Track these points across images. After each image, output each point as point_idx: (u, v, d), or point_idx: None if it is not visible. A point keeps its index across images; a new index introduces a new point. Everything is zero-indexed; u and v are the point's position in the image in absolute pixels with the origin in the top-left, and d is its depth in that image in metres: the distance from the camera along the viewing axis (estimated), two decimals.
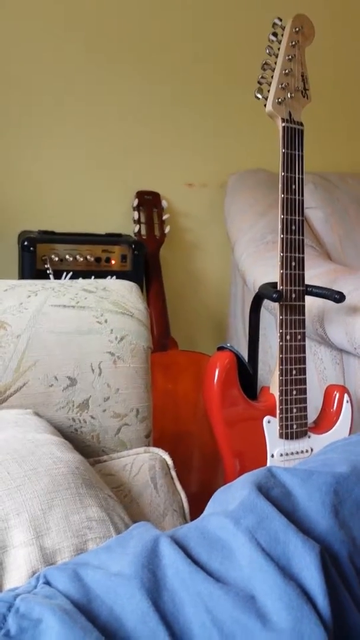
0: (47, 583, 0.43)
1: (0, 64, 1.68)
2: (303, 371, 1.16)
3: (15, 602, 0.40)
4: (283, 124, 1.14)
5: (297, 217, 1.14)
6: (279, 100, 1.13)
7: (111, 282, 0.91)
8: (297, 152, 1.15)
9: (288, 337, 1.14)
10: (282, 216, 1.13)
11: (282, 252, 1.13)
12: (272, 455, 1.14)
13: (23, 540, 0.55)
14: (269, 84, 1.14)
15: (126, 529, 0.54)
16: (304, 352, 1.16)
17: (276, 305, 1.15)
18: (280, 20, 1.14)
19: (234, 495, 0.47)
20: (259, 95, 1.14)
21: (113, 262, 1.68)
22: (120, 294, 0.88)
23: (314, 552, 0.40)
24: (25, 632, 0.37)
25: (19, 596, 0.41)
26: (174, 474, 0.83)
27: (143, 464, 0.80)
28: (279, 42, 1.15)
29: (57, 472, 0.61)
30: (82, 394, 0.80)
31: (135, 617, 0.38)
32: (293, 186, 1.14)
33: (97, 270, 1.65)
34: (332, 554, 0.42)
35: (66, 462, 0.63)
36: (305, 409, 1.16)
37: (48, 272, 1.58)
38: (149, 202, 1.83)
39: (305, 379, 1.16)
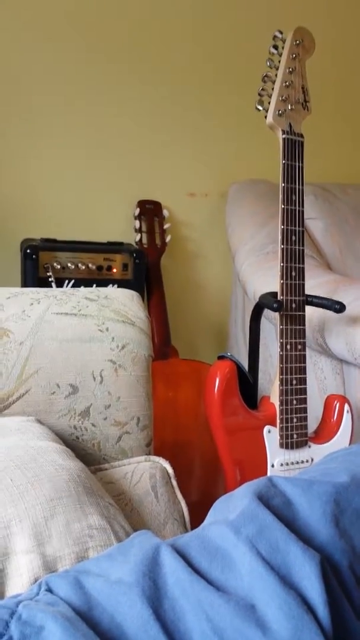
0: (49, 590, 0.43)
1: (2, 74, 1.69)
2: (303, 381, 1.16)
3: (18, 609, 0.40)
4: (283, 136, 1.14)
5: (297, 228, 1.15)
6: (280, 112, 1.14)
7: (113, 291, 0.92)
8: (297, 164, 1.15)
9: (288, 347, 1.14)
10: (282, 227, 1.14)
11: (283, 262, 1.14)
12: (273, 465, 1.14)
13: (25, 548, 0.55)
14: (270, 96, 1.15)
15: (127, 537, 0.55)
16: (304, 361, 1.16)
17: (276, 315, 1.16)
18: (281, 33, 1.15)
19: (235, 504, 0.47)
20: (260, 107, 1.15)
21: (114, 270, 1.69)
22: (122, 303, 0.89)
23: (314, 561, 0.41)
24: (28, 639, 0.38)
25: (21, 603, 0.41)
26: (174, 482, 0.83)
27: (144, 472, 0.81)
28: (280, 54, 1.16)
29: (59, 479, 0.61)
30: (83, 401, 0.81)
31: (136, 625, 0.39)
32: (293, 197, 1.15)
33: (98, 279, 1.66)
34: (332, 564, 0.42)
35: (68, 470, 0.64)
36: (305, 418, 1.17)
37: (50, 280, 1.59)
38: (150, 211, 1.84)
39: (305, 389, 1.16)
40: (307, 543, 0.42)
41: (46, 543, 0.56)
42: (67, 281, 1.62)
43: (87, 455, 0.81)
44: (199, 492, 1.30)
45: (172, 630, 0.38)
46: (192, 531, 0.48)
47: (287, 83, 1.15)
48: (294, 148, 1.15)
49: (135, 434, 0.85)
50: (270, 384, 1.26)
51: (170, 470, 0.84)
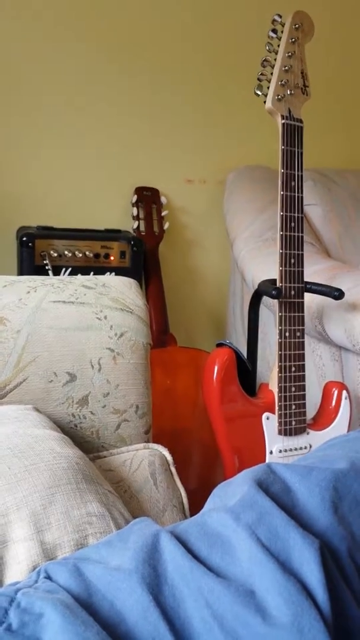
0: (48, 578, 0.43)
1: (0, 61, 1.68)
2: (302, 368, 1.16)
3: (17, 597, 0.40)
4: (283, 121, 1.14)
5: (296, 214, 1.14)
6: (279, 97, 1.13)
7: (111, 279, 0.92)
8: (296, 149, 1.15)
9: (287, 334, 1.14)
10: (281, 213, 1.13)
11: (282, 249, 1.13)
12: (271, 452, 1.14)
13: (23, 535, 0.55)
14: (269, 81, 1.14)
15: (126, 525, 0.54)
16: (303, 349, 1.16)
17: (275, 302, 1.16)
18: (280, 17, 1.14)
19: (234, 491, 0.47)
20: (259, 92, 1.14)
21: (112, 258, 1.68)
22: (120, 291, 0.88)
23: (314, 547, 0.41)
24: (27, 626, 0.38)
25: (20, 590, 0.41)
26: (173, 470, 0.83)
27: (143, 459, 0.80)
28: (279, 38, 1.14)
29: (57, 467, 0.61)
30: (81, 389, 0.81)
31: (136, 612, 0.39)
32: (292, 183, 1.14)
33: (95, 267, 1.66)
34: (331, 550, 0.42)
35: (66, 458, 0.64)
36: (304, 405, 1.17)
37: (47, 268, 1.58)
38: (148, 198, 1.83)
39: (304, 376, 1.17)
40: (306, 529, 0.42)
41: (45, 531, 0.56)
42: (64, 269, 1.61)
43: (86, 443, 0.81)
44: (198, 479, 1.31)
45: (172, 616, 0.38)
46: (191, 518, 0.48)
47: (287, 67, 1.13)
48: (293, 133, 1.14)
49: (134, 422, 0.85)
50: (268, 371, 1.26)
51: (169, 457, 0.84)
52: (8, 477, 0.59)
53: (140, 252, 1.70)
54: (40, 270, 1.59)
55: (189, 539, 0.43)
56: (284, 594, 0.38)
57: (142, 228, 1.80)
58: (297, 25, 1.14)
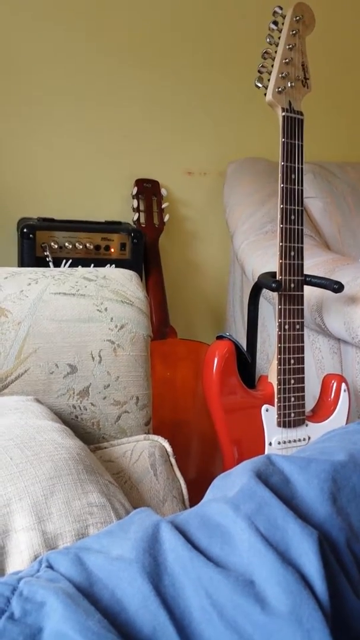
0: (50, 567, 0.44)
1: (0, 55, 1.67)
2: (301, 360, 1.16)
3: (19, 585, 0.41)
4: (283, 114, 1.13)
5: (296, 207, 1.14)
6: (279, 89, 1.13)
7: (111, 271, 0.92)
8: (297, 142, 1.15)
9: (286, 327, 1.15)
10: (281, 206, 1.13)
11: (282, 242, 1.14)
12: (270, 443, 1.15)
13: (25, 525, 0.56)
14: (269, 73, 1.14)
15: (126, 515, 0.55)
16: (303, 341, 1.17)
17: (275, 294, 1.16)
18: (281, 8, 1.14)
19: (234, 482, 0.47)
20: (259, 84, 1.14)
21: (112, 250, 1.68)
22: (120, 283, 0.89)
23: (312, 538, 0.41)
24: (29, 615, 0.38)
25: (22, 579, 0.42)
26: (173, 461, 0.84)
27: (143, 450, 0.81)
28: (280, 30, 1.14)
29: (58, 457, 0.62)
30: (82, 381, 0.81)
31: (137, 601, 0.39)
32: (293, 176, 1.14)
33: (96, 258, 1.65)
34: (330, 540, 0.42)
35: (67, 448, 0.64)
36: (303, 397, 1.17)
37: (48, 259, 1.58)
38: (148, 190, 1.83)
39: (303, 368, 1.17)
40: (305, 520, 0.43)
41: (46, 520, 0.57)
42: (64, 261, 1.61)
43: (87, 435, 0.82)
44: (197, 470, 1.31)
45: (172, 605, 0.39)
46: (191, 508, 0.48)
47: (287, 60, 1.13)
48: (293, 126, 1.14)
49: (134, 413, 0.85)
50: (268, 364, 1.26)
51: (169, 448, 0.84)
52: (10, 468, 0.59)
53: (140, 244, 1.70)
54: (41, 262, 1.59)
55: (189, 529, 0.44)
56: (283, 584, 0.39)
57: (142, 220, 1.80)
58: (298, 18, 1.14)
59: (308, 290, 1.21)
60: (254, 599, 0.38)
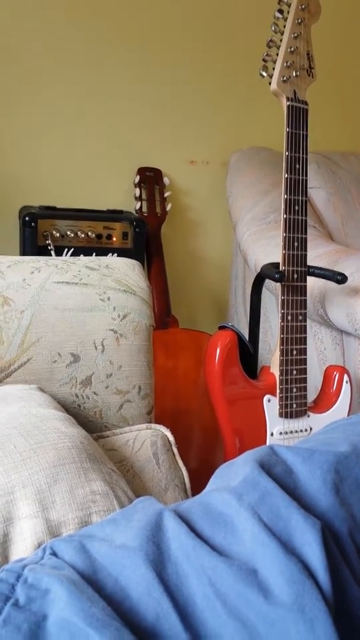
0: (54, 554, 0.44)
1: (1, 40, 1.66)
2: (303, 351, 1.17)
3: (24, 573, 0.41)
4: (288, 103, 1.13)
5: (300, 198, 1.14)
6: (284, 78, 1.12)
7: (114, 260, 0.92)
8: (301, 132, 1.14)
9: (289, 318, 1.15)
10: (285, 196, 1.13)
11: (285, 233, 1.13)
12: (272, 434, 1.15)
13: (29, 513, 0.56)
14: (274, 62, 1.13)
15: (129, 503, 0.55)
16: (305, 332, 1.17)
17: (278, 285, 1.16)
18: None
19: (237, 471, 0.48)
20: (264, 73, 1.13)
21: (114, 239, 1.68)
22: (123, 272, 0.88)
23: (315, 528, 0.41)
24: (34, 602, 0.38)
25: (26, 567, 0.42)
26: (175, 450, 0.84)
27: (145, 439, 0.81)
28: (285, 19, 1.13)
29: (62, 446, 0.62)
30: (85, 370, 0.81)
31: (140, 588, 0.39)
32: (297, 166, 1.14)
33: (98, 247, 1.65)
34: (332, 531, 0.43)
35: (71, 437, 0.64)
36: (305, 388, 1.17)
37: (49, 248, 1.58)
38: (150, 179, 1.82)
39: (305, 359, 1.17)
40: (307, 510, 0.43)
41: (50, 508, 0.57)
42: (66, 249, 1.61)
43: (89, 423, 0.82)
44: (199, 459, 1.32)
45: (176, 593, 0.39)
46: (194, 497, 0.48)
47: (292, 49, 1.12)
48: (298, 116, 1.14)
49: (136, 403, 0.85)
50: (270, 354, 1.26)
51: (171, 437, 0.84)
52: (13, 456, 0.59)
53: (142, 233, 1.70)
54: (43, 251, 1.58)
55: (192, 518, 0.44)
56: (286, 574, 0.39)
57: (144, 209, 1.79)
58: (303, 6, 1.13)
59: (311, 281, 1.21)
60: (257, 588, 0.39)
